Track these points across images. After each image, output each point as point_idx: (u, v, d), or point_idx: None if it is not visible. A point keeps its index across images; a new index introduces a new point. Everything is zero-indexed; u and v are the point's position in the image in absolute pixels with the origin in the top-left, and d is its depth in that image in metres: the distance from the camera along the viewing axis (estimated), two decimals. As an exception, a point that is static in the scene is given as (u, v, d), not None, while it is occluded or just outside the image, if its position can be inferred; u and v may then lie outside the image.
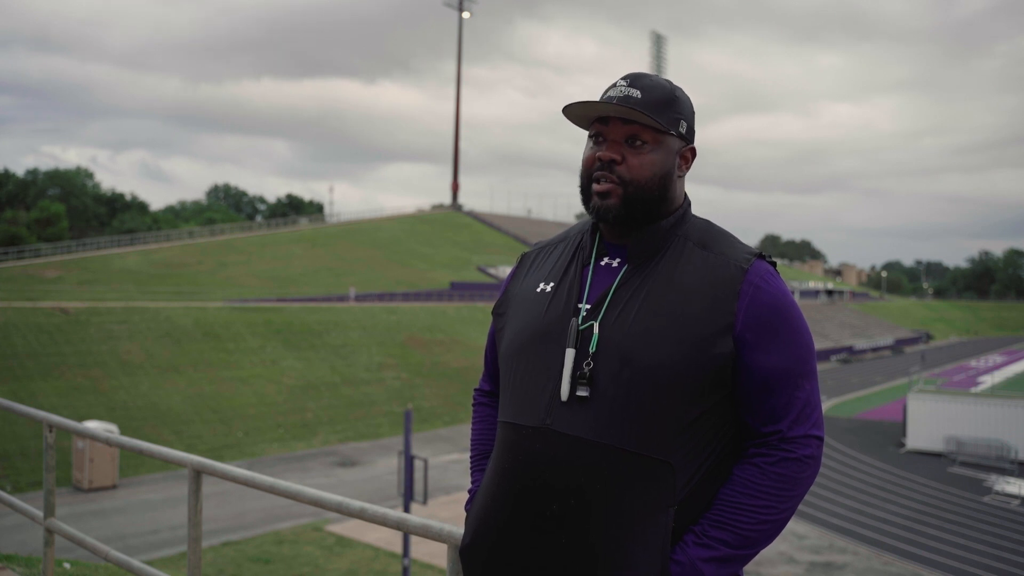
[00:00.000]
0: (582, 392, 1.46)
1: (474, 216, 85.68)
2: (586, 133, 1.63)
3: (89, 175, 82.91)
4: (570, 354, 1.48)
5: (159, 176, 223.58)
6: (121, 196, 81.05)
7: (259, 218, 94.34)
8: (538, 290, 1.62)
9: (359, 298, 46.45)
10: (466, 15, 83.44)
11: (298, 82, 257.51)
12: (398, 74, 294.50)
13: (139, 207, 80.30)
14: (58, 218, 63.53)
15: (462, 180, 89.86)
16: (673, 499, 1.43)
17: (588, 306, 1.53)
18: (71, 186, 75.90)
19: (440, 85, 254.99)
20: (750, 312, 1.46)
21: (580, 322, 1.51)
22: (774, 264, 1.56)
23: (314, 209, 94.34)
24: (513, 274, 1.76)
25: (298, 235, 67.06)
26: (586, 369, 1.47)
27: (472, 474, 1.78)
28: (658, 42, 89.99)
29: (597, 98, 1.58)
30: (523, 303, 1.64)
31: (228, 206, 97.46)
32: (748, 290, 1.48)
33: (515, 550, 1.48)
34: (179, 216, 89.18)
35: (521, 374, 1.56)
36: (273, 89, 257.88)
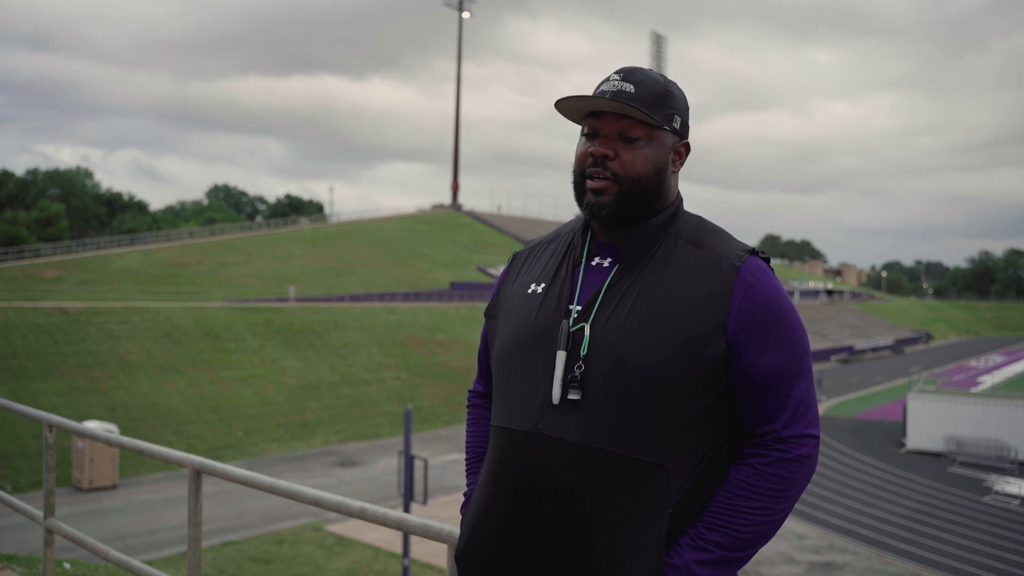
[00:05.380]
0: (573, 395, 1.44)
1: (474, 216, 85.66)
2: (579, 129, 1.60)
3: (89, 175, 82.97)
4: (561, 357, 1.46)
5: (153, 175, 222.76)
6: (120, 196, 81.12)
7: (259, 218, 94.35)
8: (529, 291, 1.60)
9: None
10: (466, 15, 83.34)
11: (286, 79, 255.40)
12: (388, 71, 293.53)
13: (138, 207, 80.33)
14: (58, 218, 63.57)
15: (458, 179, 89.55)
16: (667, 502, 1.42)
17: (579, 307, 1.51)
18: (71, 186, 75.97)
19: (432, 82, 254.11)
20: (743, 310, 1.44)
21: (571, 324, 1.49)
22: (767, 260, 1.54)
23: (314, 209, 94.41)
24: (505, 275, 1.74)
25: (298, 235, 67.06)
26: (577, 372, 1.45)
27: (467, 477, 1.76)
28: (658, 42, 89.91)
29: (590, 93, 1.56)
30: (514, 305, 1.63)
31: (228, 206, 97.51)
32: (741, 287, 1.45)
33: (510, 555, 1.47)
34: (179, 216, 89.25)
35: (513, 377, 1.54)
36: (261, 86, 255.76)
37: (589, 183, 1.53)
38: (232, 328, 35.83)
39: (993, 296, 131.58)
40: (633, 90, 1.51)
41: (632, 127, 1.51)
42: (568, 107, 1.55)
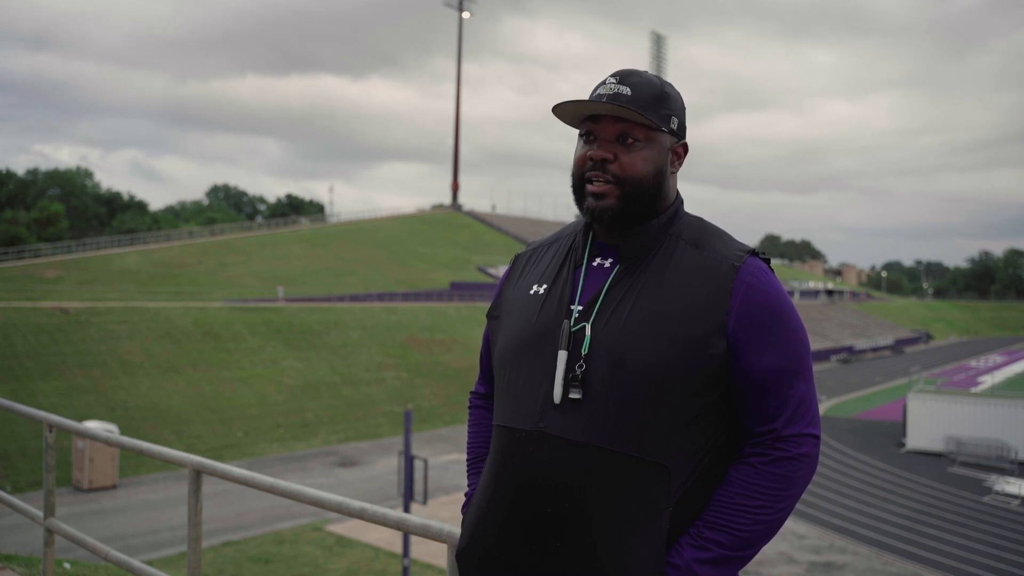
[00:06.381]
0: (575, 395, 1.45)
1: (474, 216, 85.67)
2: (577, 131, 1.61)
3: (88, 175, 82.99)
4: (562, 356, 1.47)
5: (151, 175, 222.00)
6: (119, 196, 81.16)
7: (259, 218, 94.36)
8: (531, 292, 1.61)
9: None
10: (466, 15, 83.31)
11: (284, 79, 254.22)
12: (386, 70, 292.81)
13: (138, 207, 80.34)
14: (58, 218, 63.59)
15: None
16: (668, 501, 1.43)
17: (580, 307, 1.52)
18: (71, 186, 76.01)
19: (431, 82, 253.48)
20: (743, 310, 1.45)
21: (572, 324, 1.50)
22: (768, 261, 1.54)
23: (315, 209, 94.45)
24: (507, 276, 1.74)
25: (298, 235, 67.07)
26: (578, 371, 1.46)
27: (468, 477, 1.78)
28: (658, 42, 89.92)
29: (588, 95, 1.57)
30: (517, 306, 1.63)
31: (228, 206, 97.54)
32: (741, 288, 1.46)
33: (511, 554, 1.48)
34: (179, 216, 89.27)
35: (515, 377, 1.55)
36: (258, 86, 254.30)
37: (589, 187, 1.54)
38: (232, 328, 35.84)
39: (993, 296, 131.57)
40: (630, 92, 1.51)
41: (630, 129, 1.52)
42: (565, 112, 1.56)
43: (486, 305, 48.72)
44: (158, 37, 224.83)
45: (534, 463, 1.46)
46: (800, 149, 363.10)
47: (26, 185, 74.10)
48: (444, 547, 2.09)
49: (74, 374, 28.60)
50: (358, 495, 21.29)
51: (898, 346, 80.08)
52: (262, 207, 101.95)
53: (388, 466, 25.72)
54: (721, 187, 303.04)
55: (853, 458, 30.70)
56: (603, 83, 1.55)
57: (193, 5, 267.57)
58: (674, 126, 1.56)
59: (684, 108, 1.60)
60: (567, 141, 1.64)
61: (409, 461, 15.41)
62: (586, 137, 1.56)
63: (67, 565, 5.11)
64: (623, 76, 1.54)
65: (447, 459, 26.76)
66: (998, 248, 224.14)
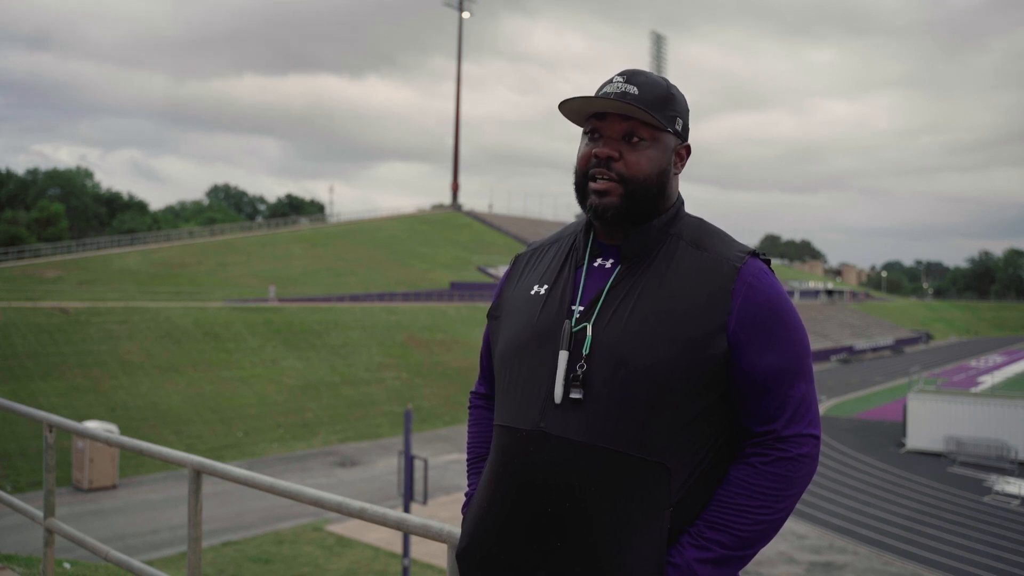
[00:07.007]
0: (575, 394, 1.45)
1: (474, 216, 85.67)
2: (580, 130, 1.61)
3: (89, 175, 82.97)
4: (563, 356, 1.47)
5: (151, 175, 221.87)
6: (119, 196, 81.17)
7: (259, 218, 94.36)
8: (532, 293, 1.61)
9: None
10: (466, 15, 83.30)
11: (282, 78, 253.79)
12: (386, 70, 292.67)
13: (139, 207, 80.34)
14: (58, 218, 63.60)
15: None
16: (668, 501, 1.43)
17: (581, 308, 1.52)
18: (71, 186, 76.00)
19: (430, 82, 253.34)
20: (744, 311, 1.45)
21: (573, 324, 1.51)
22: (768, 262, 1.55)
23: (315, 209, 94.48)
24: (507, 276, 1.74)
25: (298, 235, 67.07)
26: (579, 371, 1.46)
27: (468, 477, 1.77)
28: (658, 42, 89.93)
29: (592, 94, 1.57)
30: (517, 306, 1.63)
31: (228, 206, 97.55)
32: (742, 288, 1.46)
33: (511, 553, 1.48)
34: (179, 216, 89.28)
35: (516, 377, 1.55)
36: (258, 85, 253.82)
37: (592, 184, 1.54)
38: (232, 328, 35.84)
39: (993, 296, 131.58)
40: (637, 92, 1.52)
41: (636, 128, 1.52)
42: (572, 109, 1.56)
43: (486, 305, 48.68)
44: (157, 37, 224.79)
45: (535, 463, 1.46)
46: (800, 149, 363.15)
47: (26, 185, 74.10)
48: (444, 547, 2.09)
49: (74, 374, 28.60)
50: (358, 495, 21.30)
51: (898, 346, 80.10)
52: (262, 207, 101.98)
53: (388, 466, 25.73)
54: (721, 187, 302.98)
55: (853, 458, 30.71)
56: (610, 81, 1.55)
57: (192, 5, 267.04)
58: (679, 127, 1.57)
59: (688, 111, 1.61)
60: (567, 141, 1.65)
61: (409, 461, 15.41)
62: (591, 135, 1.56)
63: (67, 565, 5.11)
64: (630, 75, 1.55)
65: (447, 459, 26.76)
66: (998, 248, 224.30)
